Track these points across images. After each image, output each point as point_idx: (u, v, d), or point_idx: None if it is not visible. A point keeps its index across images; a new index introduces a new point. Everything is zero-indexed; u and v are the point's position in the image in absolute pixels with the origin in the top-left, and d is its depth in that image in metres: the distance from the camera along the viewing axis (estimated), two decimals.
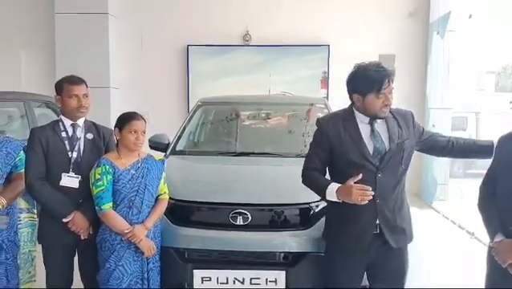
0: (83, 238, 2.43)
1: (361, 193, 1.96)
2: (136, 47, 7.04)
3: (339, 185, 2.04)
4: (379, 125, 2.16)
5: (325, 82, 7.15)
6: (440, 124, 6.62)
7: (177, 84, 7.19)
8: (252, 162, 3.40)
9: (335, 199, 2.06)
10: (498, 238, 1.94)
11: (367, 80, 2.08)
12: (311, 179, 2.21)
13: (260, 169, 3.30)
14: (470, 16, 6.36)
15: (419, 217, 5.73)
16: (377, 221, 2.11)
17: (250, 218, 2.62)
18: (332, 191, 2.05)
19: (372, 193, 1.97)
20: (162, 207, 2.50)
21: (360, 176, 2.00)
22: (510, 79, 23.28)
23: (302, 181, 2.26)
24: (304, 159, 2.29)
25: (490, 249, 2.03)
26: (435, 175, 6.58)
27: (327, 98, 6.82)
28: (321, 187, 2.13)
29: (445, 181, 6.79)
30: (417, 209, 6.22)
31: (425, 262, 4.04)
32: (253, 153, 3.52)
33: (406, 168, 2.18)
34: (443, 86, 6.66)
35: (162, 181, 2.51)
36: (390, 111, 2.20)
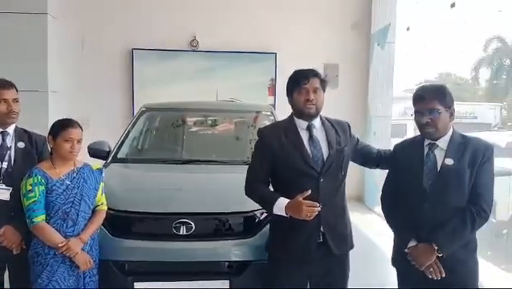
0: (15, 252, 2.31)
1: (310, 210, 1.97)
2: (77, 50, 6.76)
3: (288, 200, 2.04)
4: (318, 132, 2.22)
5: (272, 89, 7.23)
6: (380, 132, 6.90)
7: (121, 89, 6.97)
8: (198, 170, 3.36)
9: (282, 214, 2.06)
10: (412, 243, 2.04)
11: (290, 80, 2.23)
12: (257, 192, 2.20)
13: (206, 177, 3.27)
14: (408, 29, 6.71)
15: (362, 222, 5.94)
16: (321, 229, 2.13)
17: (194, 228, 2.57)
18: (281, 206, 2.05)
19: (319, 209, 2.00)
20: (99, 219, 2.40)
21: (309, 192, 2.02)
22: None
23: (247, 194, 2.24)
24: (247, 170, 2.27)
25: (396, 255, 2.14)
26: (376, 180, 6.82)
27: (275, 105, 6.90)
28: (268, 201, 2.12)
29: None
30: (360, 215, 6.43)
31: (369, 265, 4.16)
32: (199, 161, 3.47)
33: (345, 174, 2.25)
34: (383, 95, 6.94)
35: (100, 191, 2.41)
36: (328, 121, 2.28)
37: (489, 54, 26.35)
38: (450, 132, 2.08)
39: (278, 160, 2.17)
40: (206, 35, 6.94)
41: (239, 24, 6.97)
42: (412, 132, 12.08)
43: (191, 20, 6.93)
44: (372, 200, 6.83)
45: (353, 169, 2.41)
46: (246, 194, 2.24)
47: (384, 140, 6.91)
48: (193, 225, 2.57)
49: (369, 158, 2.39)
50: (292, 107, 2.25)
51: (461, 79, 27.36)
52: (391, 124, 7.13)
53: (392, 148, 2.37)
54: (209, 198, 2.79)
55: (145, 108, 4.04)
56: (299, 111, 2.20)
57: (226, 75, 7.02)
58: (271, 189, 2.23)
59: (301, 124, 2.21)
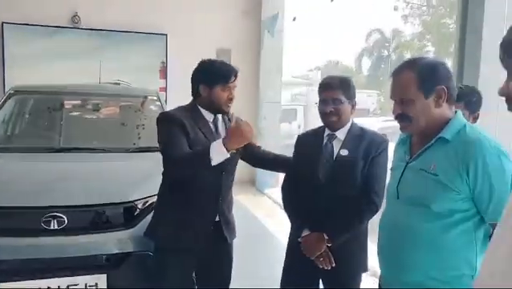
0: None
1: (250, 129, 1.93)
2: None
3: (220, 140, 1.92)
4: (220, 125, 2.20)
5: (164, 72, 7.04)
6: (270, 117, 7.15)
7: None
8: (76, 159, 3.14)
9: (223, 156, 1.89)
10: (305, 232, 2.05)
11: (216, 71, 2.10)
12: (187, 156, 1.97)
13: (84, 166, 3.06)
14: (294, 19, 6.97)
15: (253, 204, 6.15)
16: (217, 219, 2.13)
17: (67, 221, 2.41)
18: (219, 146, 1.88)
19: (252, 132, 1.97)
20: None
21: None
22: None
23: (171, 165, 2.01)
24: (163, 152, 2.03)
25: (291, 244, 2.16)
26: None
27: (166, 88, 6.73)
28: (203, 153, 1.90)
29: None
30: (252, 196, 6.65)
31: (257, 245, 4.34)
32: (78, 149, 3.24)
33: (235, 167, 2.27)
34: (273, 81, 7.17)
35: None
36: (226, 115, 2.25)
37: (370, 45, 28.82)
38: (349, 124, 2.09)
39: (189, 145, 2.03)
40: (90, 11, 6.46)
41: (127, 1, 6.61)
42: (301, 117, 12.76)
43: None
44: (263, 183, 7.08)
45: None
46: (171, 165, 2.02)
47: (273, 125, 7.18)
48: (65, 218, 2.41)
49: (254, 157, 2.39)
50: (206, 97, 2.10)
51: (347, 67, 29.52)
52: (281, 109, 7.42)
53: (284, 149, 2.41)
54: (85, 189, 2.62)
55: (14, 91, 3.65)
56: (216, 107, 2.11)
57: (113, 55, 6.63)
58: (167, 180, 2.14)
59: (207, 116, 2.14)
